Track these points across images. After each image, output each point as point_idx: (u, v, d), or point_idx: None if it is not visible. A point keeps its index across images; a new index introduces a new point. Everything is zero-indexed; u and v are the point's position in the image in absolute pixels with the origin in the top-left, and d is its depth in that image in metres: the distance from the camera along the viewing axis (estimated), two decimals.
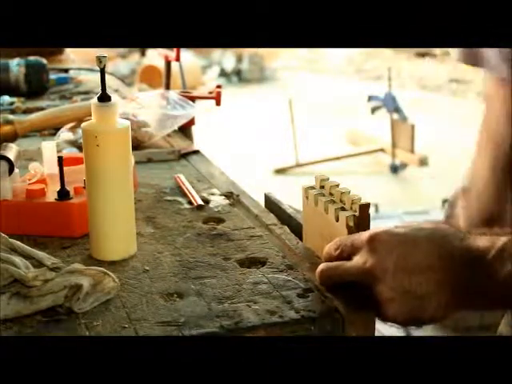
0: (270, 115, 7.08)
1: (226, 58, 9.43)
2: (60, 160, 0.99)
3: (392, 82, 5.68)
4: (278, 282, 0.86)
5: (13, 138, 1.40)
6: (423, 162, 5.39)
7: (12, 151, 1.08)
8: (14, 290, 0.80)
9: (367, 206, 0.85)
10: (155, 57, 6.58)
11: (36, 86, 1.92)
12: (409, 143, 5.45)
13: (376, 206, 4.13)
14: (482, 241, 0.78)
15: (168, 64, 1.87)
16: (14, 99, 1.80)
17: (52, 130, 1.52)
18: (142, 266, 0.92)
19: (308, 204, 0.93)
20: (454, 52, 1.02)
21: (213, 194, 1.18)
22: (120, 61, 8.67)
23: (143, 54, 8.68)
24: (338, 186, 0.90)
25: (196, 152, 1.44)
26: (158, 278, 0.88)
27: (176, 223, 1.06)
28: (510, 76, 0.91)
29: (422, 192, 5.12)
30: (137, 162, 1.19)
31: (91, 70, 2.22)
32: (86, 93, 1.93)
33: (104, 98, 0.90)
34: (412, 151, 5.47)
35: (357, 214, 0.84)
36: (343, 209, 0.86)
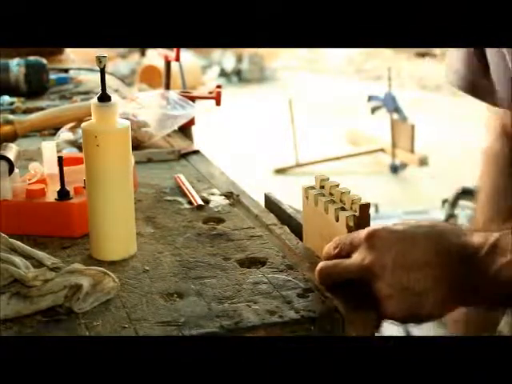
0: (270, 115, 7.07)
1: (226, 57, 9.42)
2: (60, 160, 0.99)
3: (392, 82, 5.67)
4: (278, 282, 0.86)
5: (13, 137, 1.40)
6: (423, 162, 5.38)
7: (12, 151, 1.08)
8: (14, 290, 0.80)
9: (367, 205, 0.85)
10: (155, 57, 6.56)
11: (36, 86, 1.92)
12: (409, 143, 5.45)
13: (376, 206, 4.12)
14: (477, 237, 0.78)
15: (168, 64, 1.87)
16: (14, 99, 1.80)
17: (52, 130, 1.52)
18: (142, 265, 0.91)
19: (308, 204, 0.93)
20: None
21: (213, 194, 1.18)
22: (120, 61, 8.67)
23: (143, 54, 8.67)
24: (338, 186, 0.90)
25: (196, 152, 1.44)
26: (158, 278, 0.88)
27: (176, 223, 1.06)
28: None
29: (421, 192, 5.11)
30: (137, 162, 1.19)
31: (91, 70, 2.22)
32: (86, 93, 1.93)
33: (104, 98, 0.90)
34: (412, 151, 5.46)
35: (357, 214, 0.85)
36: (343, 209, 0.87)
